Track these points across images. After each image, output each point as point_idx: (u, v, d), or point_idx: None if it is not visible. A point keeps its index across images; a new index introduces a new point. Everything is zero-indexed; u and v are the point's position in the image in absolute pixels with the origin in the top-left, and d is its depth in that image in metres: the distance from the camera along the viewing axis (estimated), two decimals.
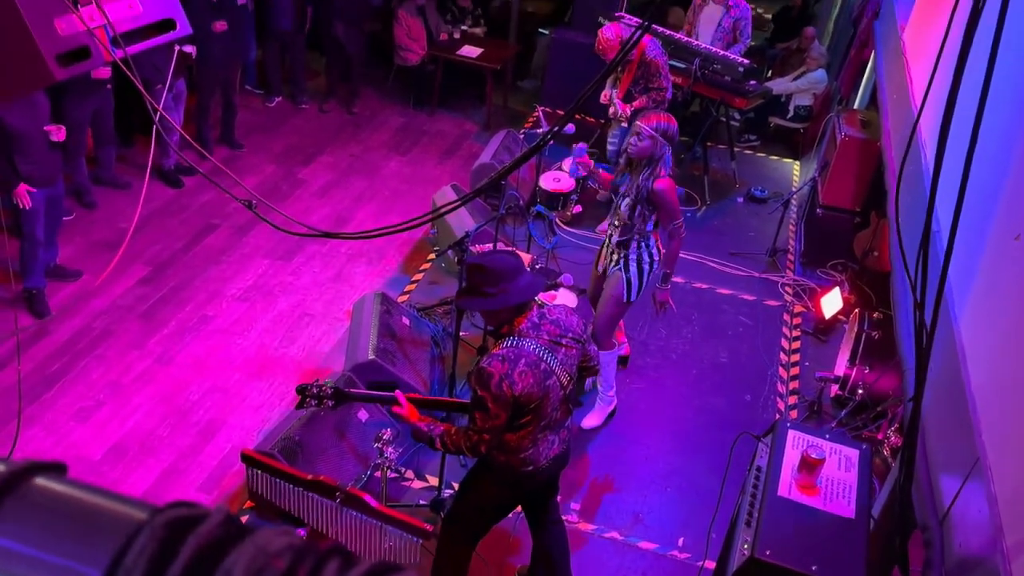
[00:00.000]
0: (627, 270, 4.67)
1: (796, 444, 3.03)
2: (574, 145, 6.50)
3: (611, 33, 6.27)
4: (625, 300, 4.73)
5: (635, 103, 6.68)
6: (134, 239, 6.24)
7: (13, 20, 1.96)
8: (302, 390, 3.36)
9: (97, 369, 5.13)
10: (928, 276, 2.12)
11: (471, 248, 4.71)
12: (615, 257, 4.72)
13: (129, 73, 2.26)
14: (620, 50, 2.27)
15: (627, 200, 4.60)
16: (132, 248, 6.16)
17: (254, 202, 2.70)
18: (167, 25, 2.39)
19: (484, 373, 3.02)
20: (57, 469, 0.46)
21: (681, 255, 6.65)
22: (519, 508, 3.81)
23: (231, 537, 0.42)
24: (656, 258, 4.72)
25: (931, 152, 2.19)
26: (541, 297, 5.22)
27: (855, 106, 7.97)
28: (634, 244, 4.64)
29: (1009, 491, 2.11)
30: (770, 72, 9.95)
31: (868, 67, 7.79)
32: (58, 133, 5.18)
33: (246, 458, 3.41)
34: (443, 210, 2.97)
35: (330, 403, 3.36)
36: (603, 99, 6.93)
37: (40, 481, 0.45)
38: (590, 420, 5.07)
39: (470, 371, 5.18)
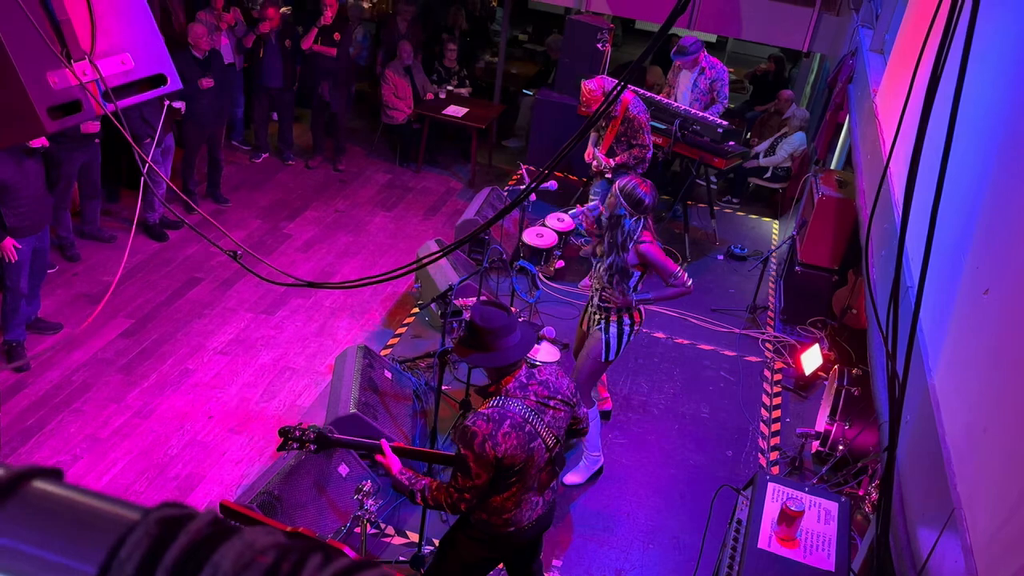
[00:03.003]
0: (607, 331, 4.71)
1: (776, 497, 3.04)
2: (594, 200, 6.68)
3: (594, 84, 6.43)
4: (603, 359, 4.76)
5: (617, 159, 6.81)
6: (117, 292, 6.24)
7: (6, 72, 2.01)
8: (284, 432, 3.33)
9: (74, 423, 5.08)
10: (900, 328, 2.18)
11: (455, 302, 4.75)
12: (596, 317, 4.77)
13: (120, 126, 2.31)
14: (603, 101, 2.33)
15: (606, 263, 4.67)
16: (115, 301, 6.16)
17: (239, 253, 2.73)
18: (158, 80, 2.45)
19: (468, 432, 2.99)
20: (54, 474, 0.49)
21: (663, 310, 6.77)
22: (501, 566, 3.77)
23: (220, 535, 0.45)
24: (637, 321, 4.74)
25: (902, 210, 2.26)
26: None
27: (832, 167, 8.16)
28: (615, 307, 4.69)
29: (984, 541, 2.13)
30: (748, 134, 10.19)
31: (843, 129, 8.00)
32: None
33: (225, 510, 3.37)
34: (425, 261, 3.01)
35: (312, 447, 3.33)
36: (586, 157, 7.06)
37: (38, 484, 0.47)
38: (573, 477, 5.05)
39: (455, 424, 5.19)
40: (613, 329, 4.70)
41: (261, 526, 0.47)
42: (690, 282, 4.56)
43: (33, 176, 5.19)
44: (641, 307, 4.75)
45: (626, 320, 4.69)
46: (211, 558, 0.43)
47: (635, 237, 4.51)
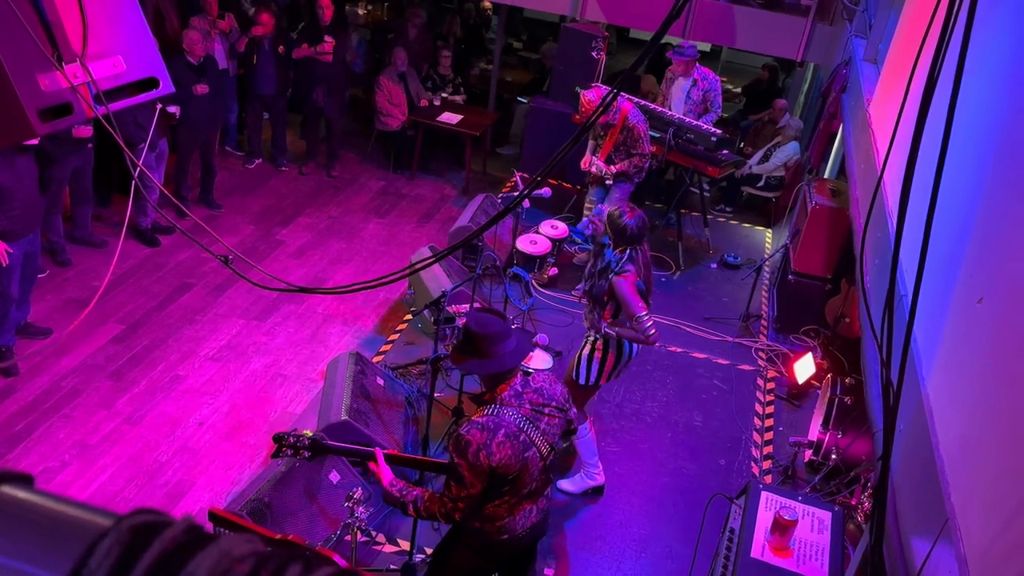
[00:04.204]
0: (582, 350, 4.68)
1: (769, 505, 3.03)
2: (598, 205, 6.72)
3: (593, 95, 6.46)
4: (574, 377, 4.68)
5: (617, 167, 6.82)
6: (108, 297, 6.21)
7: None
8: (279, 439, 3.30)
9: (64, 428, 5.04)
10: (894, 336, 2.17)
11: (448, 309, 4.73)
12: (587, 335, 4.73)
13: (111, 130, 2.28)
14: (599, 105, 2.30)
15: (584, 286, 4.65)
16: (105, 306, 6.12)
17: (231, 258, 2.71)
18: (150, 83, 2.43)
19: (462, 441, 2.95)
20: (24, 479, 0.47)
21: (656, 319, 6.75)
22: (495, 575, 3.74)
23: (196, 543, 0.43)
24: (610, 358, 4.60)
25: (896, 219, 2.26)
26: None
27: (825, 176, 8.17)
28: (592, 330, 4.64)
29: (978, 551, 2.12)
30: (742, 143, 10.21)
31: (837, 138, 8.02)
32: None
33: (214, 517, 3.34)
34: (418, 266, 2.99)
35: (306, 453, 3.30)
36: (583, 165, 7.07)
37: (6, 489, 0.45)
38: (566, 484, 5.02)
39: (451, 430, 5.16)
40: (586, 351, 4.64)
41: (240, 533, 0.45)
42: (652, 331, 4.29)
43: (26, 179, 5.16)
44: (617, 348, 4.59)
45: (598, 345, 4.60)
46: (186, 567, 0.41)
47: (616, 268, 4.40)
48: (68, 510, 0.45)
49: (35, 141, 5.08)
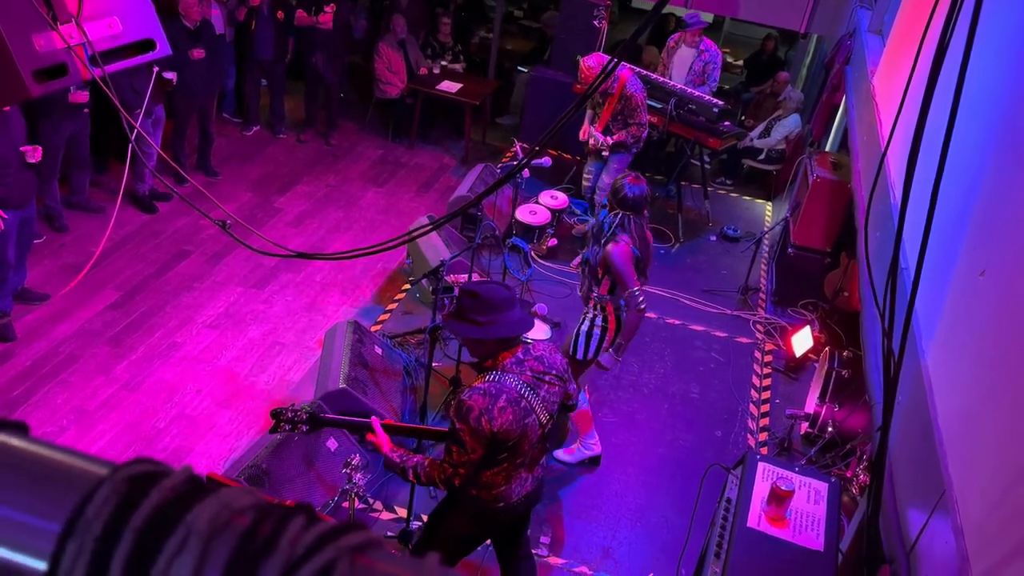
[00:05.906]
0: (580, 326, 4.64)
1: (766, 476, 3.04)
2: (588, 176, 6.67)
3: (593, 61, 6.38)
4: (571, 353, 4.63)
5: (615, 137, 6.76)
6: (105, 264, 6.19)
7: None
8: (276, 414, 3.30)
9: (61, 394, 5.04)
10: (896, 307, 2.16)
11: (447, 279, 4.72)
12: (585, 310, 4.72)
13: (107, 90, 2.25)
14: (601, 72, 2.25)
15: (583, 254, 4.61)
16: (102, 273, 6.10)
17: (228, 223, 2.69)
18: (147, 45, 2.39)
19: (464, 406, 2.96)
20: (19, 427, 0.46)
21: (655, 291, 6.75)
22: (488, 541, 3.77)
23: (195, 493, 0.42)
24: (611, 326, 4.56)
25: (899, 191, 2.24)
26: None
27: (827, 148, 8.13)
28: (591, 304, 4.60)
29: (975, 522, 2.13)
30: (743, 116, 10.13)
31: (839, 111, 7.97)
32: (34, 154, 5.13)
33: (211, 482, 3.36)
34: (416, 233, 2.97)
35: (304, 428, 3.31)
36: (582, 135, 7.01)
37: (0, 437, 0.44)
38: (564, 455, 5.04)
39: (448, 400, 5.17)
40: (584, 326, 4.60)
41: (240, 486, 0.44)
42: (643, 306, 4.31)
43: (20, 145, 5.11)
44: (617, 324, 4.55)
45: (598, 322, 4.56)
46: (184, 518, 0.40)
47: (607, 234, 4.34)
48: (64, 458, 0.43)
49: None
